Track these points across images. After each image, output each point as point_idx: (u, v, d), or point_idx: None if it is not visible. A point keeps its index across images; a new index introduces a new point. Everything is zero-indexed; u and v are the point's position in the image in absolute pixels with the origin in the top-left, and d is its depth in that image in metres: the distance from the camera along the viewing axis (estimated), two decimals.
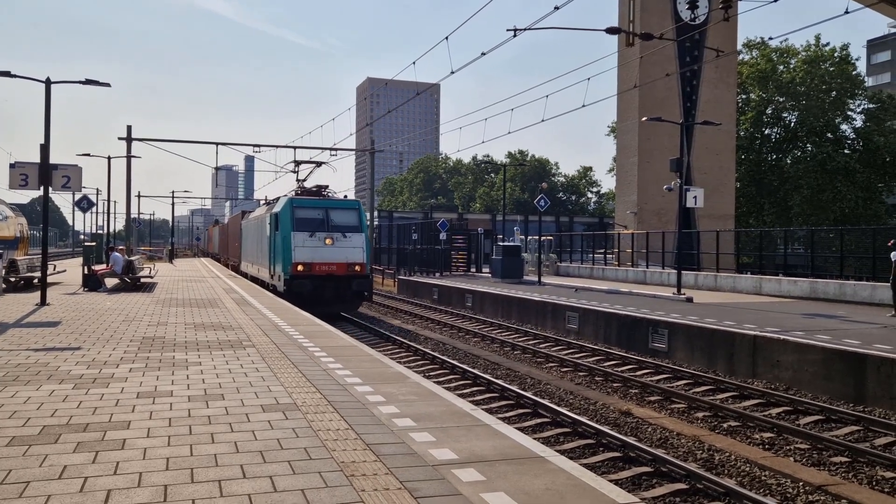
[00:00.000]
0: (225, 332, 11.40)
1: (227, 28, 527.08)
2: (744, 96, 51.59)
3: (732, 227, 38.55)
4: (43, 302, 15.55)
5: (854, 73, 51.25)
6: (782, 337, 12.90)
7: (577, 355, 16.09)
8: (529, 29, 16.56)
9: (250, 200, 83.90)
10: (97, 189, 63.91)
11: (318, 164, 26.10)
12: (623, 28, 23.43)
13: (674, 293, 22.32)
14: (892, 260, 16.13)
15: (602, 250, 38.74)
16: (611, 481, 6.11)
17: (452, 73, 18.78)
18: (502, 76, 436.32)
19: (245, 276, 30.74)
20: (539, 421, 10.15)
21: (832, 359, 11.74)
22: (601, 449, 8.81)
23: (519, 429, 8.18)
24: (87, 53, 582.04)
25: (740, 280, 25.53)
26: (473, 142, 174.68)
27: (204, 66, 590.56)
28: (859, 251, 30.57)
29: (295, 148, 32.73)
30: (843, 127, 52.02)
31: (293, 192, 24.69)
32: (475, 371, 13.40)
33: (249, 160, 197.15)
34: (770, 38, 36.40)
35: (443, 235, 36.49)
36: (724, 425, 10.21)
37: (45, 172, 15.43)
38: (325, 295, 20.23)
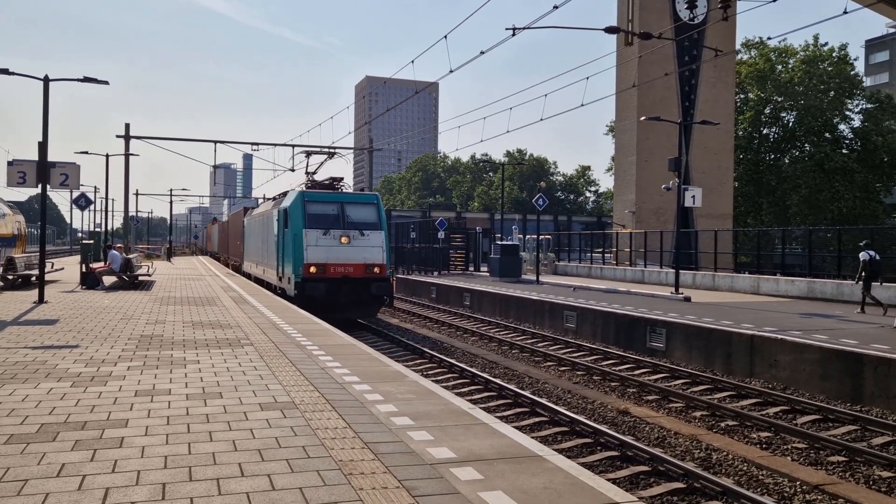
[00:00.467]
0: (223, 330, 11.39)
1: (226, 26, 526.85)
2: (742, 96, 51.64)
3: (730, 227, 38.60)
4: (41, 300, 15.53)
5: (852, 73, 51.34)
6: (780, 336, 12.92)
7: (574, 354, 16.10)
8: (528, 28, 16.56)
9: (248, 199, 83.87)
10: (95, 187, 63.79)
11: (331, 153, 23.82)
12: (622, 27, 23.46)
13: (672, 292, 22.34)
14: (861, 259, 16.98)
15: (600, 249, 38.75)
16: (608, 480, 6.12)
17: (451, 71, 18.79)
18: (501, 75, 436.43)
19: (248, 277, 28.90)
20: (537, 420, 10.16)
21: (829, 358, 11.76)
22: (599, 448, 8.82)
23: (517, 427, 8.19)
24: (85, 51, 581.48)
25: (738, 279, 25.56)
26: (472, 140, 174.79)
27: (202, 64, 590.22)
28: (857, 251, 30.54)
29: (293, 146, 32.72)
30: (842, 127, 52.13)
31: (303, 186, 22.45)
32: (473, 370, 13.41)
33: (248, 158, 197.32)
34: (769, 38, 36.57)
35: (441, 234, 36.48)
36: (722, 424, 10.23)
37: (43, 170, 15.41)
38: (340, 299, 18.32)
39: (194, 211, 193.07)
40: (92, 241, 27.49)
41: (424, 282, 31.94)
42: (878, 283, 17.65)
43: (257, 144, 32.32)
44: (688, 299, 20.96)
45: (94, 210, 60.77)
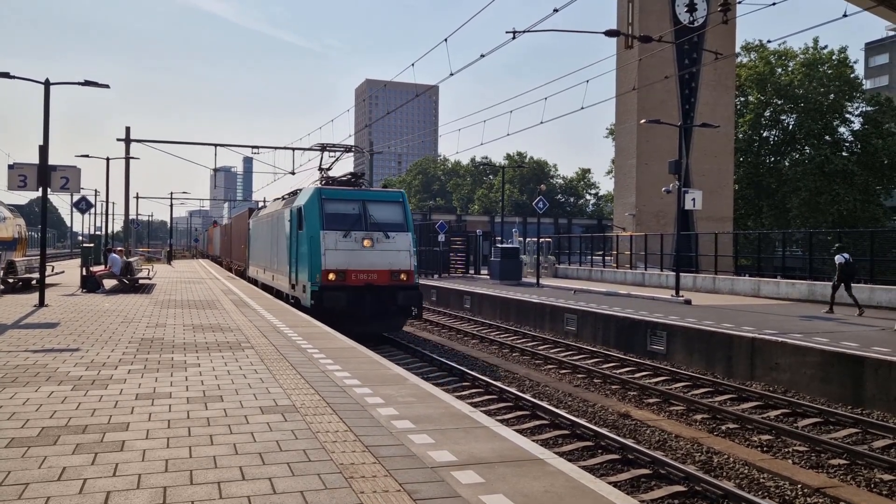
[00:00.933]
0: (223, 333, 11.39)
1: (226, 29, 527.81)
2: (742, 99, 51.69)
3: (731, 230, 38.63)
4: (41, 303, 15.53)
5: (852, 75, 51.40)
6: (781, 339, 12.92)
7: (575, 357, 16.09)
8: (528, 31, 16.58)
9: (249, 202, 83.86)
10: (95, 190, 63.78)
11: (348, 147, 21.33)
12: (622, 30, 23.49)
13: (672, 295, 22.32)
14: (836, 262, 17.54)
15: (600, 252, 38.76)
16: (609, 483, 6.11)
17: (451, 74, 18.79)
18: (502, 78, 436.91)
19: (254, 283, 26.74)
20: (538, 423, 10.15)
21: (830, 361, 11.75)
22: (600, 451, 8.81)
23: (518, 431, 8.18)
24: (85, 53, 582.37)
25: (739, 282, 25.55)
26: (472, 143, 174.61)
27: (202, 67, 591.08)
28: (857, 254, 30.54)
29: (293, 149, 32.71)
30: (842, 130, 52.18)
31: (317, 183, 20.08)
32: (474, 373, 13.40)
33: (248, 161, 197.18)
34: (768, 41, 36.62)
35: (441, 237, 36.49)
36: (723, 427, 10.22)
37: (43, 173, 15.42)
38: (363, 311, 16.27)
39: (195, 214, 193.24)
40: (92, 245, 27.50)
41: (425, 285, 31.92)
42: (853, 285, 18.22)
43: (258, 147, 32.31)
44: (688, 302, 20.96)
45: (95, 213, 60.85)
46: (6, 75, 16.31)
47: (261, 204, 39.95)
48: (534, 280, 30.93)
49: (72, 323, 12.37)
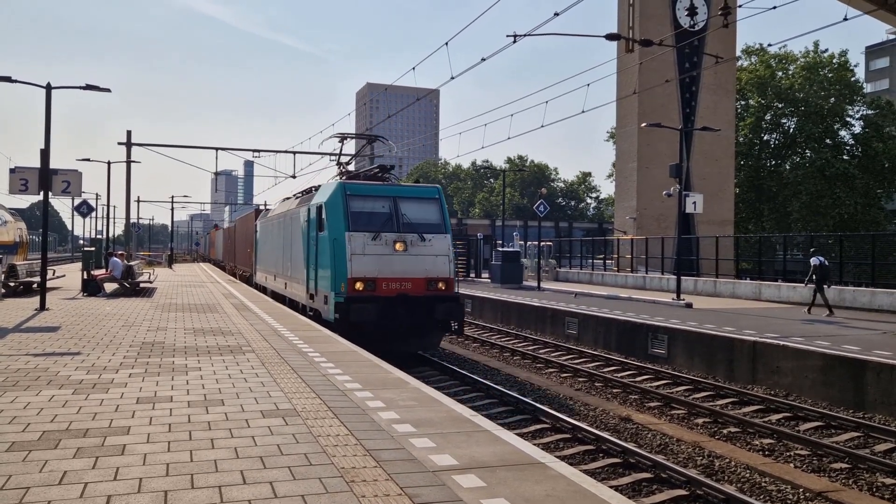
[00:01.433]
0: (224, 337, 11.39)
1: (226, 32, 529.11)
2: (743, 102, 51.72)
3: (732, 233, 38.59)
4: (42, 307, 15.54)
5: (853, 79, 51.42)
6: (782, 343, 12.90)
7: (576, 361, 16.08)
8: (529, 35, 16.60)
9: (250, 205, 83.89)
10: (97, 194, 64.08)
11: (372, 138, 18.18)
12: (622, 34, 23.52)
13: (673, 299, 22.31)
14: (811, 264, 18.47)
15: (601, 256, 38.76)
16: (611, 487, 6.10)
17: (452, 78, 18.81)
18: (503, 81, 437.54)
19: (262, 290, 24.41)
20: (539, 427, 10.14)
21: (832, 365, 11.74)
22: (601, 455, 8.80)
23: (519, 435, 8.17)
24: (87, 56, 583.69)
25: (740, 286, 25.54)
26: (473, 147, 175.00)
27: (203, 71, 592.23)
28: (858, 257, 30.61)
29: (294, 153, 32.77)
30: (842, 133, 52.20)
31: (338, 178, 17.34)
32: (475, 377, 13.39)
33: (249, 165, 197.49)
34: (769, 45, 36.62)
35: None
36: (724, 431, 10.21)
37: (45, 177, 15.43)
38: (396, 325, 14.15)
39: (195, 218, 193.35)
40: (93, 249, 27.46)
41: None
42: (827, 286, 19.10)
43: (258, 151, 32.34)
44: (689, 305, 20.95)
45: (96, 217, 60.91)
46: (7, 79, 16.34)
47: (261, 206, 39.44)
48: (535, 284, 30.92)
49: (73, 327, 12.37)
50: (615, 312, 18.71)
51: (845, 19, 14.94)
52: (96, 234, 58.50)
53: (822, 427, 10.37)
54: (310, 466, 4.72)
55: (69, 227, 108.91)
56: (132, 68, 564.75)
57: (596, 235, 51.20)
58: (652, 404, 11.91)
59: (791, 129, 52.20)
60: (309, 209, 16.41)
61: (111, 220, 50.55)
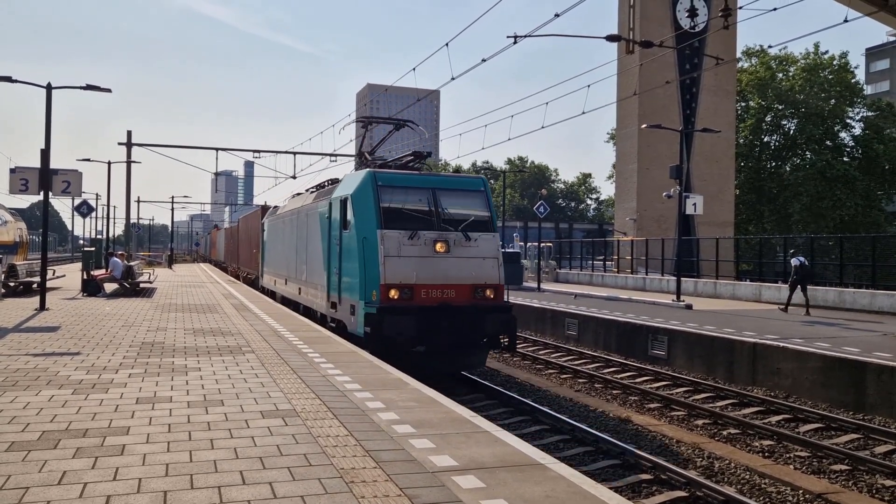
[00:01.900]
0: (224, 337, 11.39)
1: (226, 33, 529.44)
2: (743, 104, 51.73)
3: (732, 235, 38.60)
4: (42, 307, 15.54)
5: (853, 81, 51.43)
6: (782, 344, 12.90)
7: (576, 362, 16.08)
8: (530, 36, 16.60)
9: (250, 205, 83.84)
10: (97, 194, 64.10)
11: (399, 123, 15.47)
12: (623, 35, 23.51)
13: (673, 300, 22.31)
14: (792, 264, 19.19)
15: (601, 257, 38.76)
16: (611, 488, 6.10)
17: (453, 79, 18.79)
18: (503, 82, 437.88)
19: (270, 295, 22.56)
20: (539, 428, 10.14)
21: (832, 366, 11.73)
22: (601, 456, 8.80)
23: (518, 435, 8.16)
24: (87, 57, 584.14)
25: (740, 287, 25.53)
26: (473, 148, 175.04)
27: (203, 71, 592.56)
28: (859, 259, 30.58)
29: (295, 153, 32.81)
30: (843, 135, 52.20)
31: (358, 166, 15.15)
32: (474, 377, 13.38)
33: (249, 165, 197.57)
34: (769, 46, 36.41)
35: None
36: (724, 433, 10.20)
37: (45, 177, 15.44)
38: (438, 341, 11.91)
39: (196, 218, 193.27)
40: (93, 249, 27.47)
41: None
42: (802, 287, 19.69)
43: (259, 152, 32.38)
44: (689, 307, 20.94)
45: (96, 217, 60.93)
46: (8, 79, 16.35)
47: (264, 205, 38.93)
48: (535, 285, 30.93)
49: (72, 327, 12.37)
50: (615, 313, 18.71)
51: (845, 21, 14.90)
52: (96, 235, 58.53)
53: (822, 429, 10.37)
54: (309, 467, 4.71)
55: (69, 228, 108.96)
56: (132, 68, 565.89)
57: (596, 236, 51.21)
58: (652, 405, 11.90)
59: (791, 131, 52.20)
60: (330, 203, 14.30)
61: (111, 221, 50.58)
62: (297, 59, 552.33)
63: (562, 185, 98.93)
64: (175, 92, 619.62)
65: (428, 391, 7.40)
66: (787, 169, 52.27)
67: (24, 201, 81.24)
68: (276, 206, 24.72)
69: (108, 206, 44.40)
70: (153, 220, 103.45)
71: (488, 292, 12.45)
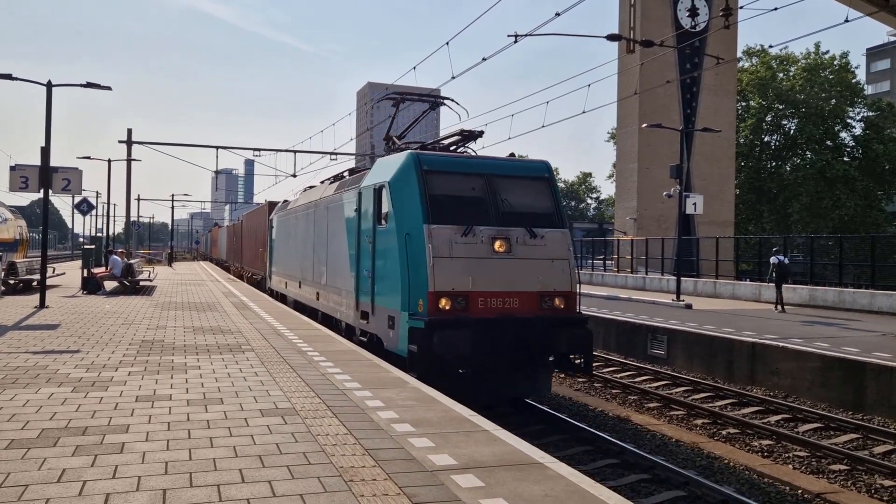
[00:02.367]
0: (224, 335, 11.39)
1: (227, 31, 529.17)
2: (743, 104, 51.71)
3: (732, 234, 38.60)
4: (42, 305, 15.53)
5: (853, 81, 51.41)
6: (781, 344, 12.90)
7: None
8: (530, 35, 16.59)
9: (250, 204, 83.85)
10: (97, 192, 64.07)
11: (437, 101, 13.98)
12: (623, 35, 23.52)
13: (673, 299, 22.31)
14: (772, 263, 19.71)
15: (601, 256, 38.76)
16: (609, 488, 6.10)
17: (453, 78, 18.79)
18: (504, 81, 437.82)
19: (280, 299, 20.17)
20: (538, 427, 10.13)
21: (831, 366, 11.74)
22: (600, 455, 8.80)
23: (518, 435, 8.17)
24: (87, 56, 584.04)
25: (739, 287, 25.53)
26: (474, 147, 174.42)
27: (204, 69, 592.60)
28: (858, 259, 30.57)
29: (295, 152, 32.79)
30: (843, 135, 52.20)
31: (390, 147, 13.41)
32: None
33: (249, 164, 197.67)
34: (770, 46, 36.42)
35: None
36: (723, 432, 10.21)
37: (45, 175, 15.44)
38: (497, 360, 9.76)
39: (196, 216, 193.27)
40: (93, 247, 27.47)
41: None
42: (788, 283, 20.48)
43: (259, 150, 32.37)
44: (689, 306, 20.94)
45: (96, 215, 60.90)
46: (8, 77, 16.34)
47: (264, 203, 38.48)
48: None
49: (72, 324, 12.37)
50: (615, 313, 18.71)
51: (846, 21, 14.90)
52: (96, 232, 58.51)
53: (821, 428, 10.38)
54: (308, 465, 4.72)
55: (69, 225, 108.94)
56: (133, 68, 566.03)
57: (596, 236, 51.21)
58: (651, 405, 11.91)
59: (792, 131, 52.20)
60: (360, 193, 11.90)
61: (111, 218, 50.59)
62: (298, 59, 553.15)
63: (562, 184, 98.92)
64: (175, 91, 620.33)
65: (427, 390, 7.40)
66: (787, 169, 52.27)
67: (25, 199, 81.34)
68: (285, 201, 22.32)
69: (109, 203, 44.45)
70: (153, 218, 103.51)
71: (558, 301, 10.20)
